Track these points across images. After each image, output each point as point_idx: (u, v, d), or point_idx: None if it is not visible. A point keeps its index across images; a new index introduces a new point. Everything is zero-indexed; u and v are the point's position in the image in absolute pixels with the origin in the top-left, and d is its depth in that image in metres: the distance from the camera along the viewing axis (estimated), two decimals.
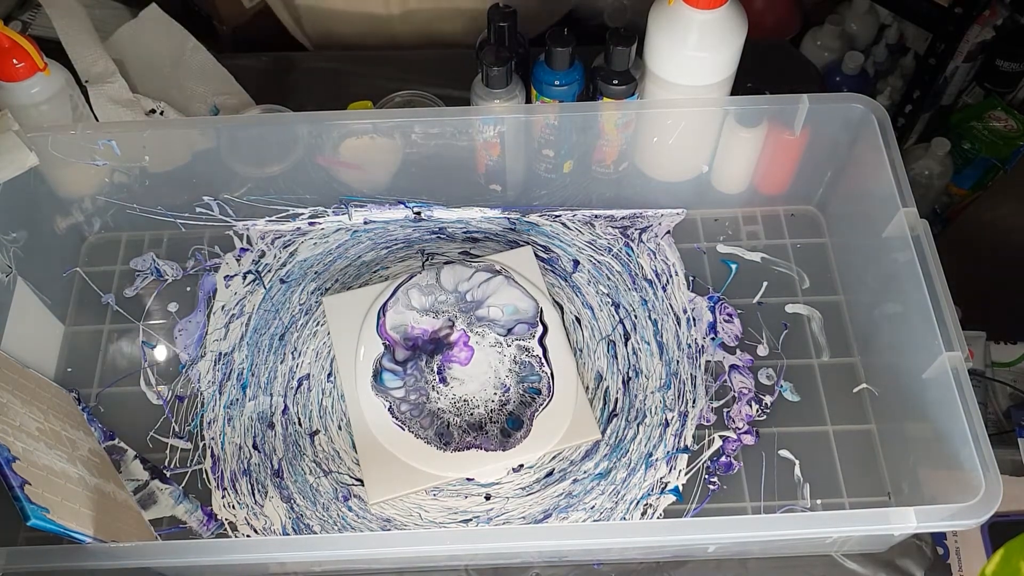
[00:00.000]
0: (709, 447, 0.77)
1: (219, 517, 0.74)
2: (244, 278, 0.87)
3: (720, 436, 0.77)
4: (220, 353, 0.82)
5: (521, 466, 0.76)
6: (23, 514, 0.58)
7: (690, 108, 0.82)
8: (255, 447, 0.77)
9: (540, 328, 0.80)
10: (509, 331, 0.80)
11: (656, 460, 0.76)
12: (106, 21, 1.01)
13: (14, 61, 0.78)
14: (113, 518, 0.67)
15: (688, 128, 0.83)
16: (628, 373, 0.81)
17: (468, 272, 0.83)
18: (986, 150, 1.36)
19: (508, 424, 0.76)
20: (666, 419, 0.78)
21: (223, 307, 0.85)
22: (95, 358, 0.83)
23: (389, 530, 0.73)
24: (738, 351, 0.82)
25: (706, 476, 0.76)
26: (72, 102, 0.83)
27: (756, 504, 0.75)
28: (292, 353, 0.82)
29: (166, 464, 0.77)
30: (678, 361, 0.81)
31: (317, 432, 0.78)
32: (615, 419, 0.78)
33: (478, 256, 0.86)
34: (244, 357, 0.82)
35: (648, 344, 0.82)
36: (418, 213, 0.89)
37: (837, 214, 0.88)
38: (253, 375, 0.81)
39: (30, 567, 0.61)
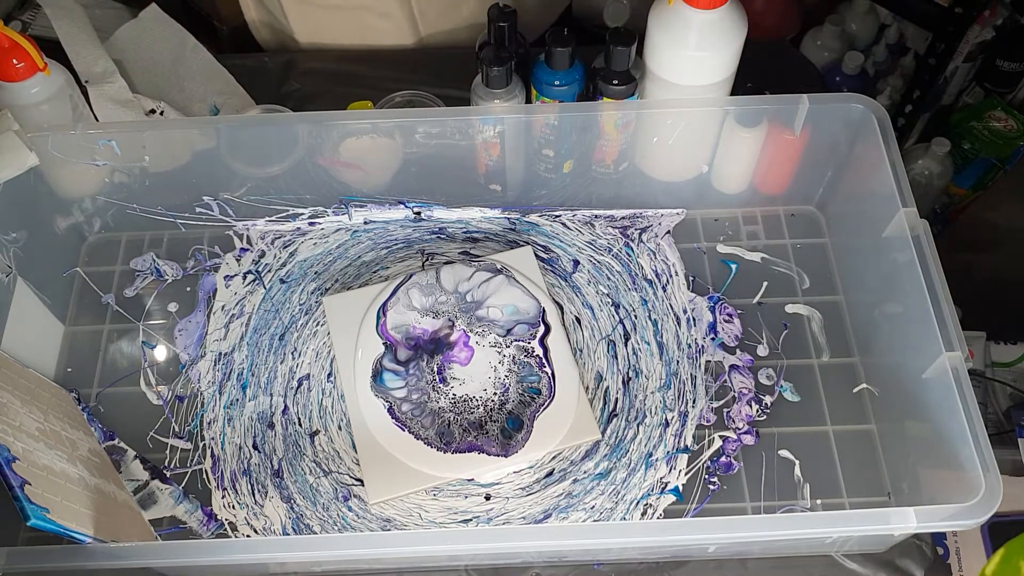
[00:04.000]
0: (709, 447, 0.77)
1: (219, 517, 0.74)
2: (244, 278, 0.87)
3: (720, 436, 0.77)
4: (220, 353, 0.82)
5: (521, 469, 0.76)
6: (23, 514, 0.58)
7: (690, 108, 0.82)
8: (255, 447, 0.77)
9: (542, 328, 0.80)
10: (509, 331, 0.80)
11: (656, 460, 0.76)
12: (106, 21, 1.01)
13: (14, 61, 0.78)
14: (113, 518, 0.68)
15: (688, 128, 0.83)
16: (628, 373, 0.81)
17: (468, 272, 0.83)
18: (986, 150, 1.36)
19: (508, 424, 0.76)
20: (666, 419, 0.78)
21: (223, 307, 0.85)
22: (95, 358, 0.83)
23: (389, 530, 0.73)
24: (738, 351, 0.82)
25: (706, 476, 0.76)
26: (72, 102, 0.83)
27: (756, 504, 0.75)
28: (292, 353, 0.82)
29: (166, 464, 0.77)
30: (678, 361, 0.81)
31: (317, 432, 0.78)
32: (615, 419, 0.78)
33: (478, 256, 0.86)
34: (244, 357, 0.82)
35: (648, 344, 0.82)
36: (418, 213, 0.89)
37: (837, 214, 0.88)
38: (253, 375, 0.81)
39: (30, 567, 0.61)
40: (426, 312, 0.81)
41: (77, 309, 0.86)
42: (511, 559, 0.73)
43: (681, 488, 0.75)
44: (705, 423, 0.78)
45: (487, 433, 0.75)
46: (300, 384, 0.81)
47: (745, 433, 0.77)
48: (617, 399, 0.79)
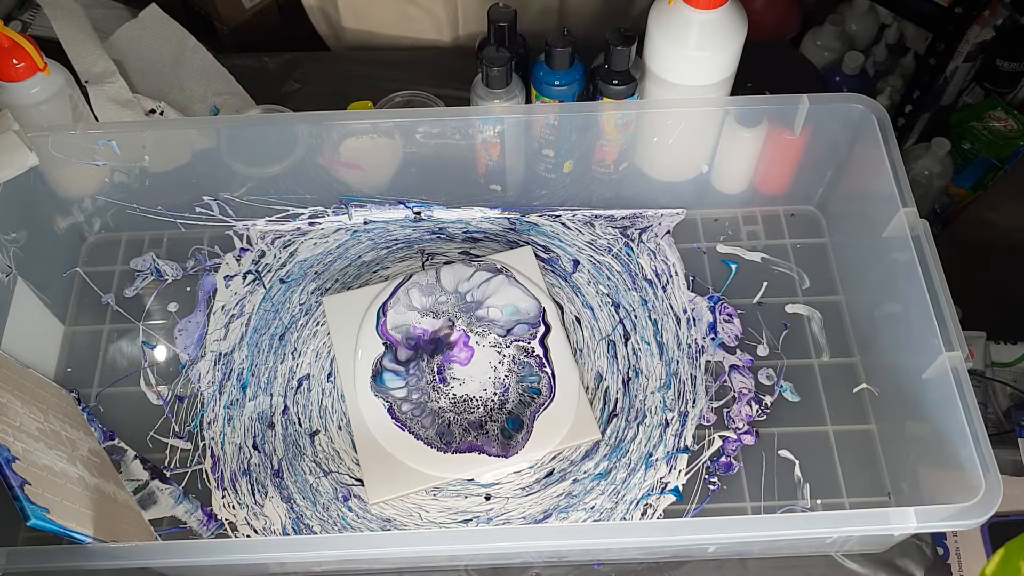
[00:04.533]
0: (709, 447, 0.77)
1: (219, 517, 0.74)
2: (244, 278, 0.87)
3: (720, 436, 0.77)
4: (220, 353, 0.82)
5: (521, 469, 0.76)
6: (23, 514, 0.58)
7: (690, 108, 0.82)
8: (255, 447, 0.77)
9: (542, 328, 0.80)
10: (508, 331, 0.80)
11: (656, 460, 0.76)
12: (106, 21, 1.01)
13: (14, 61, 0.78)
14: (113, 518, 0.68)
15: (688, 128, 0.83)
16: (628, 373, 0.81)
17: (468, 272, 0.83)
18: (986, 150, 1.36)
19: (508, 424, 0.76)
20: (666, 419, 0.78)
21: (223, 307, 0.85)
22: (95, 358, 0.83)
23: (389, 530, 0.73)
24: (738, 351, 0.82)
25: (706, 476, 0.76)
26: (72, 102, 0.83)
27: (756, 504, 0.75)
28: (292, 353, 0.82)
29: (166, 464, 0.77)
30: (678, 361, 0.81)
31: (317, 432, 0.78)
32: (615, 419, 0.78)
33: (478, 256, 0.86)
34: (244, 357, 0.82)
35: (648, 344, 0.82)
36: (418, 213, 0.89)
37: (837, 214, 0.88)
38: (253, 375, 0.81)
39: (30, 567, 0.61)
40: (426, 312, 0.81)
41: (77, 309, 0.86)
42: (511, 559, 0.73)
43: (681, 488, 0.75)
44: (705, 423, 0.78)
45: (487, 433, 0.75)
46: (300, 384, 0.81)
47: (745, 433, 0.77)
48: (617, 399, 0.79)
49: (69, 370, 0.82)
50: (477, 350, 0.79)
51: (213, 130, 0.82)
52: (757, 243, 0.89)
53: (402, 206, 0.89)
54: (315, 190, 0.86)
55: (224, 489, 0.76)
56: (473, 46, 1.04)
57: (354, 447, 0.76)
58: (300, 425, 0.78)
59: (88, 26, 0.93)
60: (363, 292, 0.83)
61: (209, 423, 0.79)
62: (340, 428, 0.78)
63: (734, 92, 0.83)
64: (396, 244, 0.88)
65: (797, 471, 0.76)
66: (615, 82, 0.81)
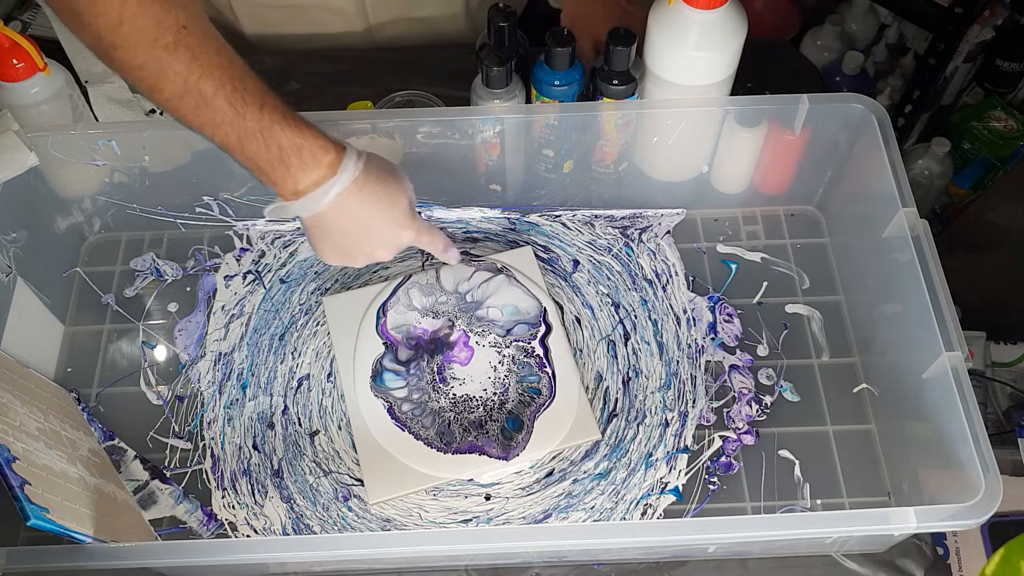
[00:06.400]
0: (709, 447, 0.77)
1: (219, 517, 0.74)
2: (244, 278, 0.87)
3: (720, 436, 0.77)
4: (220, 353, 0.82)
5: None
6: (23, 514, 0.58)
7: (690, 108, 0.82)
8: (255, 447, 0.77)
9: (543, 328, 0.80)
10: (508, 331, 0.80)
11: (656, 460, 0.76)
12: None
13: (14, 61, 0.78)
14: (113, 518, 0.68)
15: (688, 128, 0.83)
16: (628, 373, 0.81)
17: (468, 272, 0.83)
18: (986, 150, 1.36)
19: (508, 424, 0.76)
20: (666, 419, 0.78)
21: (223, 307, 0.85)
22: (95, 358, 0.83)
23: (389, 530, 0.73)
24: (738, 351, 0.82)
25: (706, 476, 0.76)
26: (72, 102, 0.83)
27: (756, 504, 0.75)
28: (292, 353, 0.82)
29: (166, 464, 0.77)
30: (678, 361, 0.81)
31: (317, 432, 0.78)
32: (615, 419, 0.78)
33: (478, 256, 0.86)
34: (244, 357, 0.82)
35: (648, 344, 0.82)
36: (418, 213, 0.89)
37: (837, 214, 0.88)
38: (253, 375, 0.81)
39: (30, 567, 0.61)
40: (426, 312, 0.81)
41: (77, 309, 0.86)
42: (511, 559, 0.73)
43: (681, 488, 0.75)
44: (705, 423, 0.78)
45: (487, 433, 0.75)
46: (300, 384, 0.81)
47: (745, 433, 0.77)
48: (617, 399, 0.79)
49: (69, 370, 0.82)
50: (477, 350, 0.79)
51: None
52: (757, 243, 0.89)
53: None
54: None
55: (224, 489, 0.76)
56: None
57: (354, 447, 0.76)
58: (300, 425, 0.78)
59: None
60: (363, 292, 0.83)
61: (209, 423, 0.79)
62: (340, 428, 0.78)
63: (734, 92, 0.83)
64: None
65: (797, 471, 0.76)
66: (615, 82, 0.81)
